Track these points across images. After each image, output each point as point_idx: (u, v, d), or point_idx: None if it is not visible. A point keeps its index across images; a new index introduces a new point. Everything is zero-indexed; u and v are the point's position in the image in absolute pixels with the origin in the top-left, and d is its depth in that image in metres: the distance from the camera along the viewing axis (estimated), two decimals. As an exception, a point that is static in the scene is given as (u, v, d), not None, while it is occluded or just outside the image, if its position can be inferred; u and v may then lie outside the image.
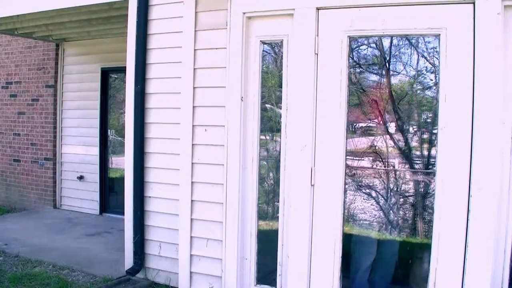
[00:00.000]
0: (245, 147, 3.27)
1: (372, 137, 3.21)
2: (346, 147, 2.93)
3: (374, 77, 3.22)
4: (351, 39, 2.94)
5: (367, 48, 3.12)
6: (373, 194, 3.26)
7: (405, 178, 3.15)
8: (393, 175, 3.19)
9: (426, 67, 2.95)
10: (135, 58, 3.67)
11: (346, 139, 2.93)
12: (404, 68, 3.05)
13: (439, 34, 2.68)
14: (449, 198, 2.66)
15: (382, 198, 3.23)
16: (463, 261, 2.63)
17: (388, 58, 3.10)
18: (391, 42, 3.04)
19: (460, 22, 2.62)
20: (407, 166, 3.17)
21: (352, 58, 3.09)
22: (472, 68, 2.60)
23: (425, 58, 2.92)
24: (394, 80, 3.12)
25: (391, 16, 2.79)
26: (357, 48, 3.11)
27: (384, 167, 3.20)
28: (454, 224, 2.64)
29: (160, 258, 3.73)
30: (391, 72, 3.11)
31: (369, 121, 3.23)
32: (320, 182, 2.99)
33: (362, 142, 3.23)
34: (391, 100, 3.14)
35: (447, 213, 2.67)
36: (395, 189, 3.17)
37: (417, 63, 2.98)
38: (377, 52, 3.13)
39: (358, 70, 3.16)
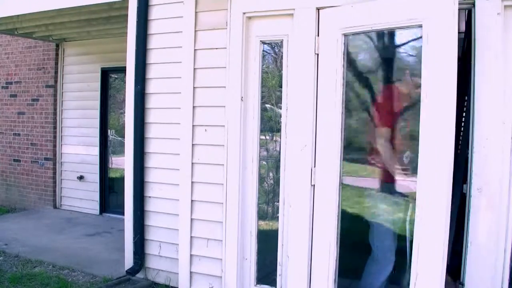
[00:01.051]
0: (245, 147, 3.27)
1: (375, 138, 3.19)
2: (343, 147, 2.89)
3: (375, 78, 3.21)
4: (346, 37, 2.87)
5: (365, 46, 3.09)
6: (376, 195, 3.24)
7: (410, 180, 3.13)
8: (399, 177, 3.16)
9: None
10: (135, 58, 3.67)
11: (343, 139, 2.89)
12: (406, 69, 3.02)
13: (427, 28, 2.50)
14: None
15: (387, 200, 3.21)
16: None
17: (386, 56, 3.07)
18: (393, 38, 2.99)
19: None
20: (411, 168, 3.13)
21: (356, 58, 3.06)
22: (471, 68, 2.59)
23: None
24: (394, 80, 3.09)
25: (376, 10, 2.68)
26: (357, 47, 3.07)
27: (390, 168, 3.17)
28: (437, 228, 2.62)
29: (160, 258, 3.73)
30: (392, 72, 3.09)
31: (372, 122, 3.21)
32: (320, 182, 2.99)
33: (364, 143, 3.21)
34: (392, 100, 3.13)
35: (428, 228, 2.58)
36: (401, 191, 3.14)
37: (419, 61, 2.93)
38: (374, 50, 3.10)
39: (359, 70, 3.14)
